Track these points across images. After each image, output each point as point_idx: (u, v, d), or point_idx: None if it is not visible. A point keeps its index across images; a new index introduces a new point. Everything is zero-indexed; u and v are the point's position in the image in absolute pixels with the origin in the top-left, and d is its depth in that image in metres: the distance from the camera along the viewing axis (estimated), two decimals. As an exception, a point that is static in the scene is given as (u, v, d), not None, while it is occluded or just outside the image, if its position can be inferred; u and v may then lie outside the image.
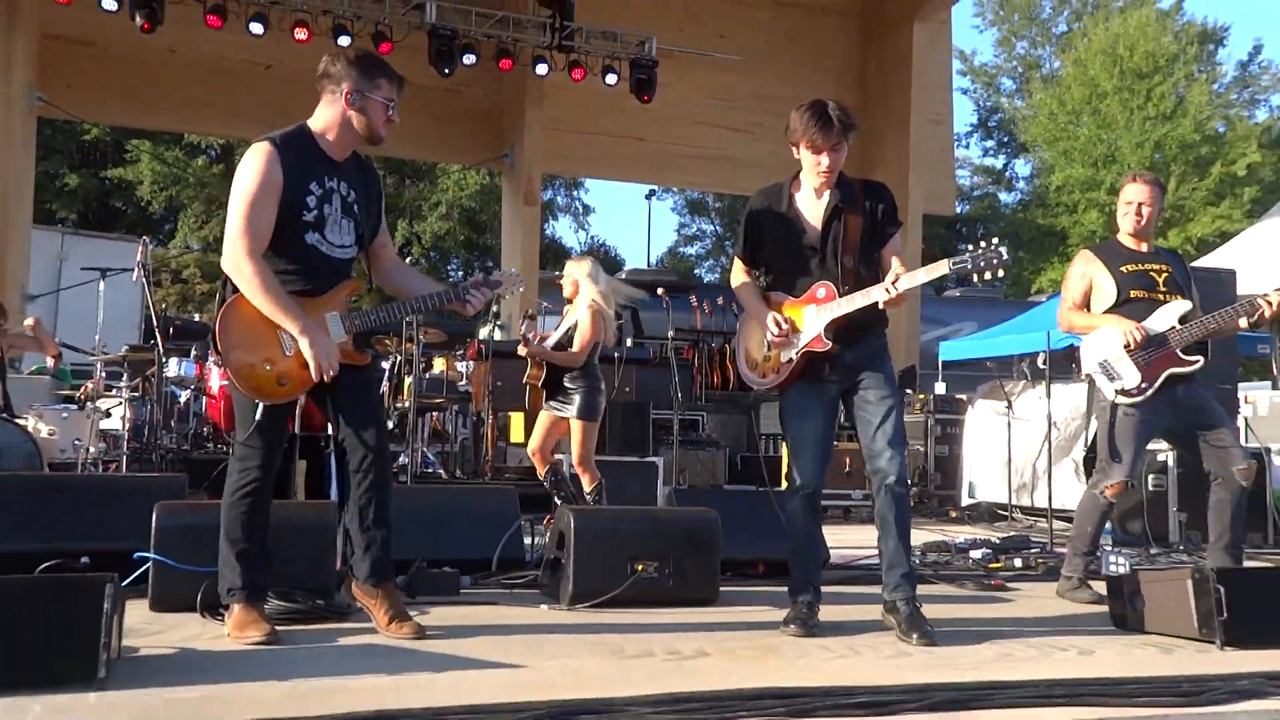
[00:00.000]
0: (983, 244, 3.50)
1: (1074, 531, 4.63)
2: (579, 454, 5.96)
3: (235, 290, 3.19)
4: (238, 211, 3.15)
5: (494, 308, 10.11)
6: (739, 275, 3.90)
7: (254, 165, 3.18)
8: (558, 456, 6.28)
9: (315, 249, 3.26)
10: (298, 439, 6.30)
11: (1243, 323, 4.38)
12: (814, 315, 3.61)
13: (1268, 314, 4.30)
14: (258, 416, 3.24)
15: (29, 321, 7.38)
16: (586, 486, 6.00)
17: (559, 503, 5.91)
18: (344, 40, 11.11)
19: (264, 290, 3.11)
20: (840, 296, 3.58)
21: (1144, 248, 4.54)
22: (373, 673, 2.78)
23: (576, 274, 6.11)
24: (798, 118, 3.60)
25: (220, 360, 3.27)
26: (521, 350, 6.24)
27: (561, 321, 6.26)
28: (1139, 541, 6.37)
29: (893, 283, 3.46)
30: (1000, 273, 3.51)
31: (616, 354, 8.93)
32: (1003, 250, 3.47)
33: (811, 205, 3.69)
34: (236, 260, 3.13)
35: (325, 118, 3.37)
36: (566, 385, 5.96)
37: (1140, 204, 4.48)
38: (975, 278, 3.59)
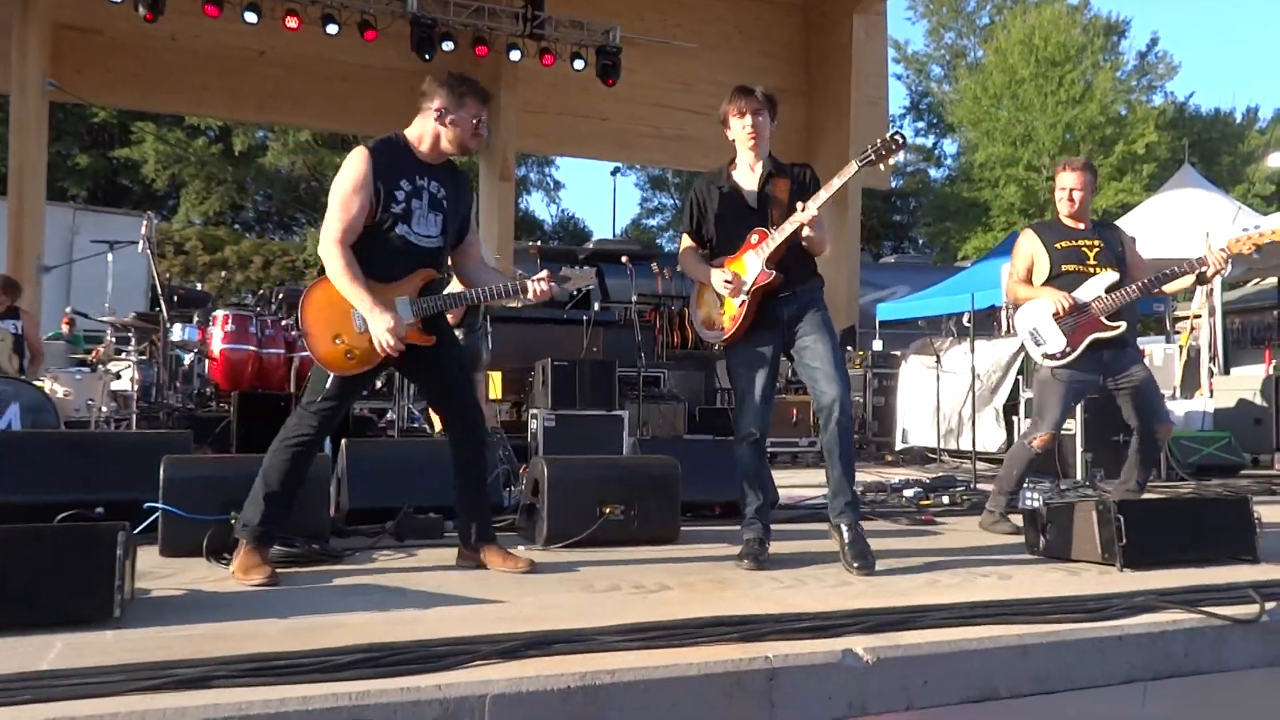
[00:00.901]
0: (881, 138, 3.51)
1: (1001, 473, 4.68)
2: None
3: (322, 273, 3.30)
4: (333, 205, 3.25)
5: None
6: (686, 251, 3.89)
7: (349, 166, 3.26)
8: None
9: (404, 239, 3.30)
10: (295, 400, 6.22)
11: (1188, 280, 4.39)
12: (754, 257, 3.62)
13: (1211, 270, 4.30)
14: (326, 386, 3.27)
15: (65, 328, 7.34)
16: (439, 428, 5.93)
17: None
18: (332, 28, 10.89)
19: (344, 272, 3.19)
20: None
21: (1080, 225, 4.53)
22: (365, 610, 2.76)
23: None
24: (725, 99, 3.72)
25: (300, 334, 3.35)
26: None
27: None
28: (1050, 478, 6.47)
29: (803, 208, 3.49)
30: (902, 155, 3.54)
31: (585, 316, 8.88)
32: (900, 136, 3.48)
33: (746, 177, 3.74)
34: (326, 246, 3.23)
35: (418, 129, 3.40)
36: None
37: (1072, 190, 4.49)
38: (882, 166, 3.54)
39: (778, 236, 3.56)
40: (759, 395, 3.67)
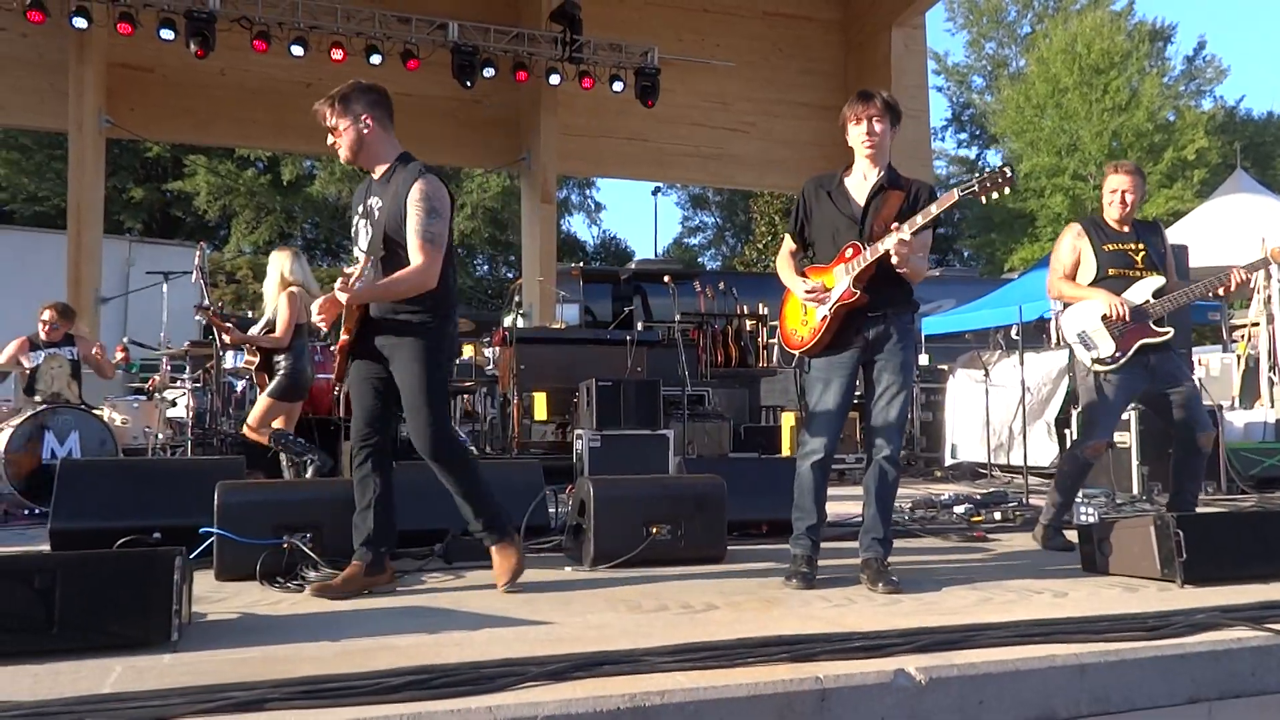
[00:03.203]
0: (989, 169, 3.43)
1: (1054, 486, 4.60)
2: (254, 418, 5.81)
3: None
4: None
5: (516, 297, 10.08)
6: (783, 253, 3.83)
7: None
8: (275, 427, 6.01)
9: (355, 253, 3.53)
10: (345, 424, 6.28)
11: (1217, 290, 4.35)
12: (843, 272, 3.55)
13: (1233, 286, 4.26)
14: None
15: (120, 356, 7.47)
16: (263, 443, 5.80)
17: (289, 461, 5.83)
18: (375, 59, 11.08)
19: None
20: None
21: (1126, 228, 4.48)
22: (415, 632, 2.79)
23: (277, 264, 6.02)
24: (846, 104, 3.70)
25: None
26: (227, 339, 6.21)
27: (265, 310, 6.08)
28: (1106, 491, 6.33)
29: (897, 228, 3.39)
30: (1007, 190, 3.39)
31: (629, 336, 8.90)
32: (1008, 169, 3.38)
33: (858, 185, 3.67)
34: None
35: None
36: (276, 365, 5.87)
37: (1123, 192, 4.44)
38: (984, 199, 3.42)
39: (868, 256, 3.47)
40: (830, 412, 3.60)
